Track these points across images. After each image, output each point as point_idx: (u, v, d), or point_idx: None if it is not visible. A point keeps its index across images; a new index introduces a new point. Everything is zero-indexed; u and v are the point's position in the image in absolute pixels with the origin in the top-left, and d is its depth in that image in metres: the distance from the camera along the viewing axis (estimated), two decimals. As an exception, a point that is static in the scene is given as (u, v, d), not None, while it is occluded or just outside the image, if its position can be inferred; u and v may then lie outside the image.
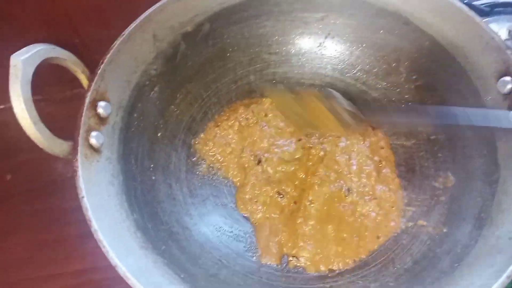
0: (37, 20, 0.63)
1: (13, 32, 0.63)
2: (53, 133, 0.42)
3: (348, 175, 0.54)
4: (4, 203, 0.64)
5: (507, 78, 0.44)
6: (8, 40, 0.62)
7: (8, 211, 0.63)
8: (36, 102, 0.71)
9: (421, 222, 0.50)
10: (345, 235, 0.51)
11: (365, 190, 0.53)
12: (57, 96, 0.73)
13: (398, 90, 0.58)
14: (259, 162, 0.55)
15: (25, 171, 0.66)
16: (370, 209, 0.52)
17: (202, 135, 0.58)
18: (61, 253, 0.59)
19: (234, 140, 0.57)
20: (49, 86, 0.71)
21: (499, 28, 0.64)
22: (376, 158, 0.55)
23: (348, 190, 0.53)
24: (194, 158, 0.57)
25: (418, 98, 0.56)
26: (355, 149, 0.56)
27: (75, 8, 0.63)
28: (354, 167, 0.54)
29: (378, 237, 0.51)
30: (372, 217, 0.52)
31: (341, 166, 0.54)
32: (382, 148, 0.57)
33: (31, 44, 0.42)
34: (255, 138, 0.57)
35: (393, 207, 0.52)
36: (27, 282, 0.58)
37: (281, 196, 0.53)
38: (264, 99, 0.60)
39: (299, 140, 0.57)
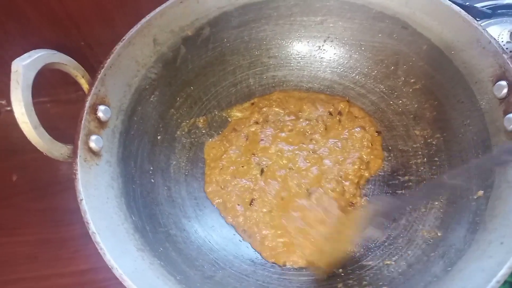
0: (43, 23, 0.63)
1: (20, 34, 0.64)
2: (59, 133, 0.43)
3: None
4: (10, 201, 0.65)
5: (503, 83, 0.44)
6: (15, 42, 0.64)
7: (14, 210, 0.64)
8: (43, 104, 0.74)
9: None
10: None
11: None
12: (63, 97, 0.74)
13: (396, 93, 0.58)
14: (262, 171, 0.56)
15: (31, 171, 0.67)
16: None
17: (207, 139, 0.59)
18: (65, 252, 0.60)
19: (238, 147, 0.58)
20: (55, 88, 0.73)
21: (501, 30, 0.63)
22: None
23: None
24: (194, 161, 0.57)
25: (415, 101, 0.56)
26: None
27: (79, 10, 0.63)
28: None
29: None
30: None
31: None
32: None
33: (36, 46, 0.43)
34: (259, 146, 0.58)
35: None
36: (31, 279, 0.59)
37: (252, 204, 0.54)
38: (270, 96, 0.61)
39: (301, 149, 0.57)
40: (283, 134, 0.58)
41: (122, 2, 0.61)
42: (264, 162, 0.56)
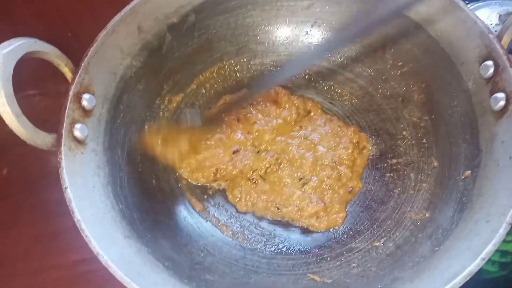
0: (29, 14, 0.63)
1: (6, 26, 0.63)
2: (47, 126, 0.43)
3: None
4: (1, 196, 0.65)
5: (489, 63, 0.44)
6: (1, 34, 0.63)
7: (6, 204, 0.64)
8: (32, 97, 0.73)
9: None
10: None
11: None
12: (52, 90, 0.73)
13: (384, 77, 0.58)
14: (258, 152, 0.55)
15: (21, 165, 0.66)
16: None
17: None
18: (58, 245, 0.60)
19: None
20: (44, 81, 0.72)
21: (490, 12, 0.63)
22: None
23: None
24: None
25: (403, 84, 0.56)
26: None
27: (66, 1, 0.63)
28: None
29: None
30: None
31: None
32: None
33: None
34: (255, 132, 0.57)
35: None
36: (25, 274, 0.59)
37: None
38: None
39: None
40: (274, 122, 0.57)
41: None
42: (260, 146, 0.56)
